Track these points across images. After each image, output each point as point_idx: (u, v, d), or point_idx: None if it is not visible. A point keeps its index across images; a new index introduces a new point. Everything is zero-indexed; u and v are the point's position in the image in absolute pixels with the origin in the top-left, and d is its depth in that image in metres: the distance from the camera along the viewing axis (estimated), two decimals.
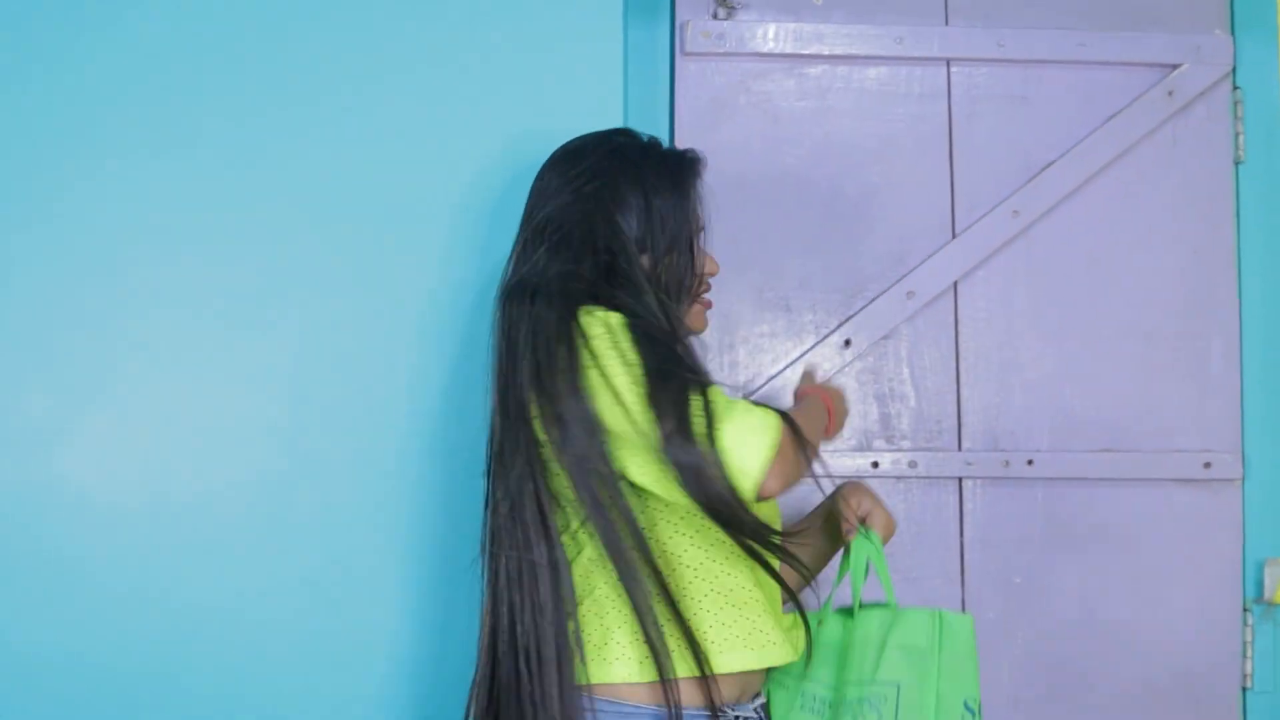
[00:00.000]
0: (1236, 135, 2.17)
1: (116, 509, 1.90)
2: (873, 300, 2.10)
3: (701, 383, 1.47)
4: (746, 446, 1.42)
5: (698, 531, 1.55)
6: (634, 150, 1.67)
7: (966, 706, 1.59)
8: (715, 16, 2.13)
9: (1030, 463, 2.10)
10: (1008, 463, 2.10)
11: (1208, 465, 2.12)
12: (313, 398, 1.94)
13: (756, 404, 1.48)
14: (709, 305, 1.72)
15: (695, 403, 1.45)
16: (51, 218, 1.93)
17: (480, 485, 1.64)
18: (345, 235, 1.96)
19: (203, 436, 1.92)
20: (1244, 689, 2.12)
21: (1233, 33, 2.18)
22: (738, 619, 1.53)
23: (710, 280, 1.70)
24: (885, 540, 1.66)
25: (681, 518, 1.55)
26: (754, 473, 1.42)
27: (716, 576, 1.54)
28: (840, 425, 1.71)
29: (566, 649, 1.51)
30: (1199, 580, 2.13)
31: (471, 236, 1.97)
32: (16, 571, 1.88)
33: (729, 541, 1.53)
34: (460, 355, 1.94)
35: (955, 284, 2.13)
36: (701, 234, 1.68)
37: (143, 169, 1.94)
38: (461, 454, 1.90)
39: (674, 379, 1.47)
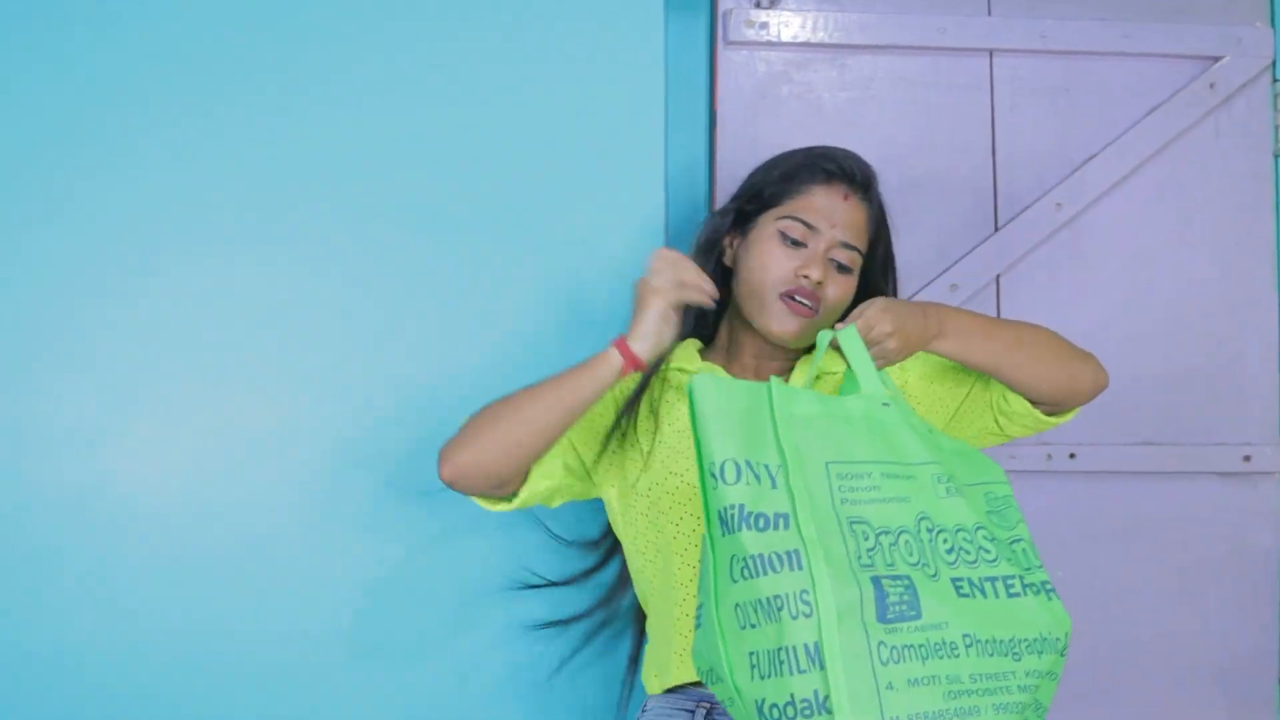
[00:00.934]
0: (1277, 129, 2.17)
1: (159, 514, 1.88)
2: (916, 293, 2.09)
3: None
4: None
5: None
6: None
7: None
8: (758, 5, 2.11)
9: (1073, 456, 2.10)
10: (1050, 456, 2.10)
11: (1247, 459, 2.12)
12: (356, 402, 1.92)
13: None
14: (799, 312, 1.68)
15: None
16: (96, 221, 1.90)
17: None
18: (383, 236, 1.93)
19: (245, 441, 1.90)
20: None
21: (1273, 25, 2.17)
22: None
23: (809, 283, 1.67)
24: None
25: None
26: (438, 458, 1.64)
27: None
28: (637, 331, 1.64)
29: None
30: (1237, 575, 2.13)
31: (515, 232, 1.95)
32: (58, 575, 1.86)
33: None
34: (506, 355, 1.92)
35: (998, 277, 2.12)
36: (778, 228, 1.69)
37: (188, 173, 1.91)
38: None
39: None
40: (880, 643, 1.34)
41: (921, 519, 1.44)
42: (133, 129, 1.91)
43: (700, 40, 2.14)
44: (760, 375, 1.73)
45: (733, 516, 1.38)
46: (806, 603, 1.34)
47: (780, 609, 1.34)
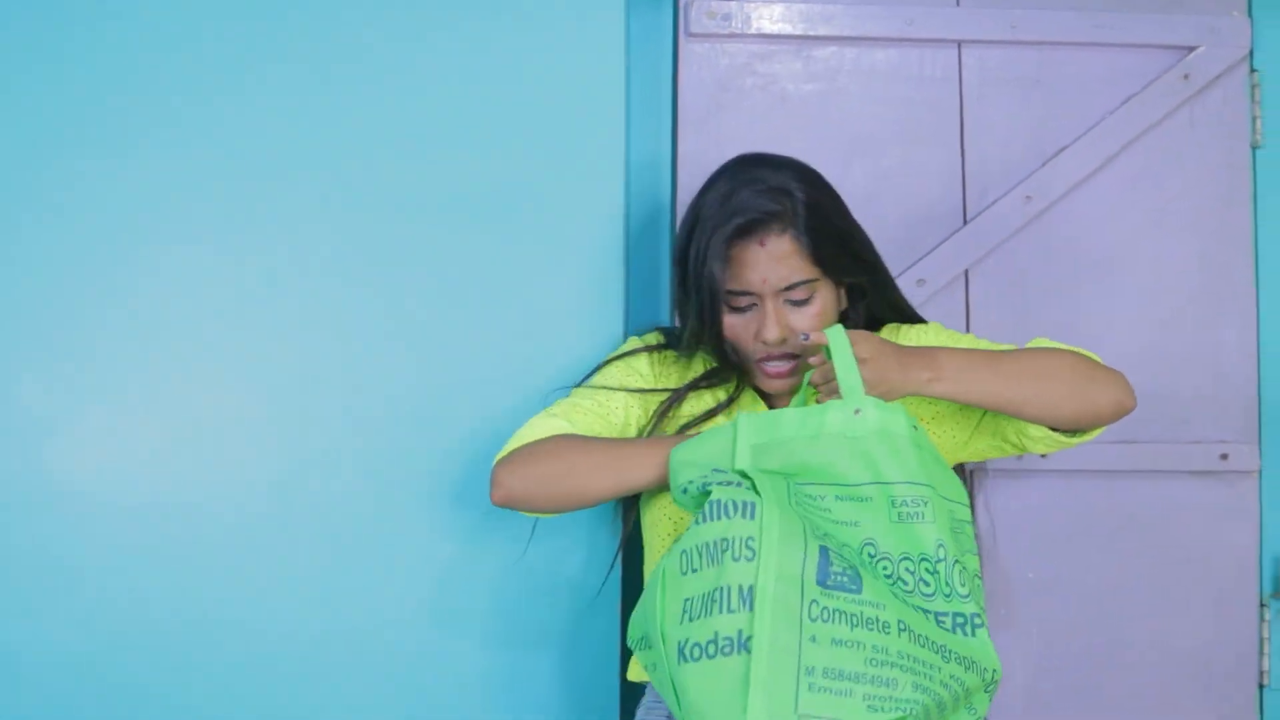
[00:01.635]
0: (1254, 119, 2.12)
1: (112, 506, 1.85)
2: None
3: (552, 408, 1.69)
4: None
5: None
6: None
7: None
8: None
9: (1045, 455, 2.05)
10: (1023, 455, 2.05)
11: (1224, 457, 2.08)
12: (316, 392, 1.89)
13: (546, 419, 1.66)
14: (774, 374, 1.66)
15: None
16: (47, 208, 1.87)
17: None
18: (340, 225, 1.90)
19: (203, 432, 1.87)
20: (1261, 686, 2.08)
21: (1250, 14, 2.12)
22: None
23: (772, 344, 1.64)
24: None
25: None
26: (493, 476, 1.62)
27: None
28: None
29: None
30: (1215, 575, 2.08)
31: (473, 228, 1.92)
32: (7, 568, 1.83)
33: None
34: (461, 350, 1.90)
35: (966, 271, 2.08)
36: (745, 296, 1.65)
37: (138, 161, 1.88)
38: (468, 450, 1.86)
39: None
40: (813, 600, 1.36)
41: (866, 544, 1.43)
42: (88, 120, 1.88)
43: (663, 32, 2.10)
44: None
45: (700, 483, 1.46)
46: (750, 548, 1.37)
47: (724, 551, 1.38)
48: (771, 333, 1.63)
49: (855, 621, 1.36)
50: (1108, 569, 2.08)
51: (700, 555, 1.39)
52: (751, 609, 1.34)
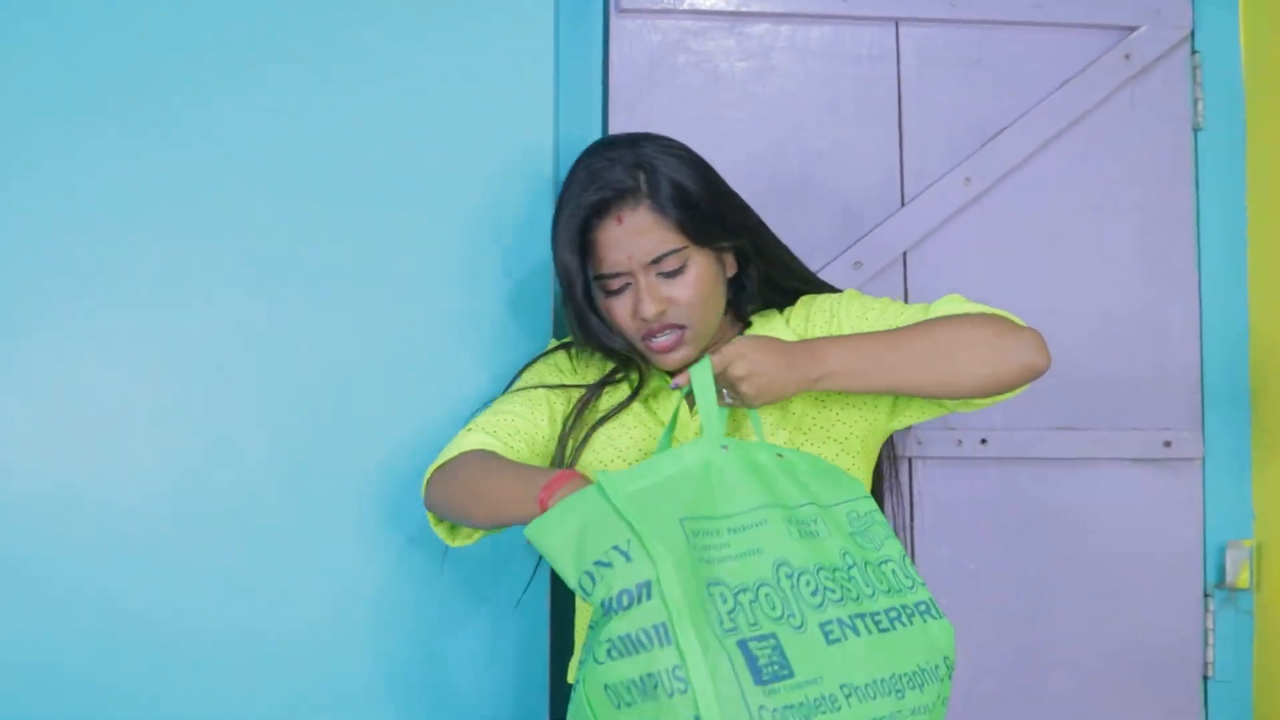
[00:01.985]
0: (1195, 101, 2.08)
1: (17, 496, 1.78)
2: (818, 271, 1.99)
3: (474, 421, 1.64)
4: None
5: None
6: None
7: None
8: None
9: (984, 441, 2.00)
10: (960, 441, 2.00)
11: (1168, 444, 2.03)
12: (229, 380, 1.82)
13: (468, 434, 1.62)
14: (662, 349, 1.60)
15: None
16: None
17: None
18: (266, 212, 1.84)
19: (112, 422, 1.80)
20: (1205, 678, 2.04)
21: None
22: None
23: (651, 321, 1.58)
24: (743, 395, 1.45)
25: None
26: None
27: None
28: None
29: None
30: (1159, 565, 2.04)
31: (399, 209, 1.86)
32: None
33: None
34: (389, 333, 1.85)
35: (904, 254, 2.03)
36: (621, 277, 1.59)
37: (33, 154, 1.81)
38: (378, 437, 1.82)
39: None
40: (761, 706, 1.29)
41: (779, 565, 1.38)
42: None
43: (593, 8, 2.04)
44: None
45: (604, 604, 1.32)
46: (680, 679, 1.29)
47: (655, 687, 1.29)
48: (648, 308, 1.58)
49: (806, 711, 1.30)
50: (1048, 560, 2.03)
51: (631, 691, 1.31)
52: None
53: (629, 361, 1.65)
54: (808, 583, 1.37)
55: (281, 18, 1.86)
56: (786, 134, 2.02)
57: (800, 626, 1.35)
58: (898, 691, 1.35)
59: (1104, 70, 2.06)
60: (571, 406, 1.67)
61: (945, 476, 2.01)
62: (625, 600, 1.30)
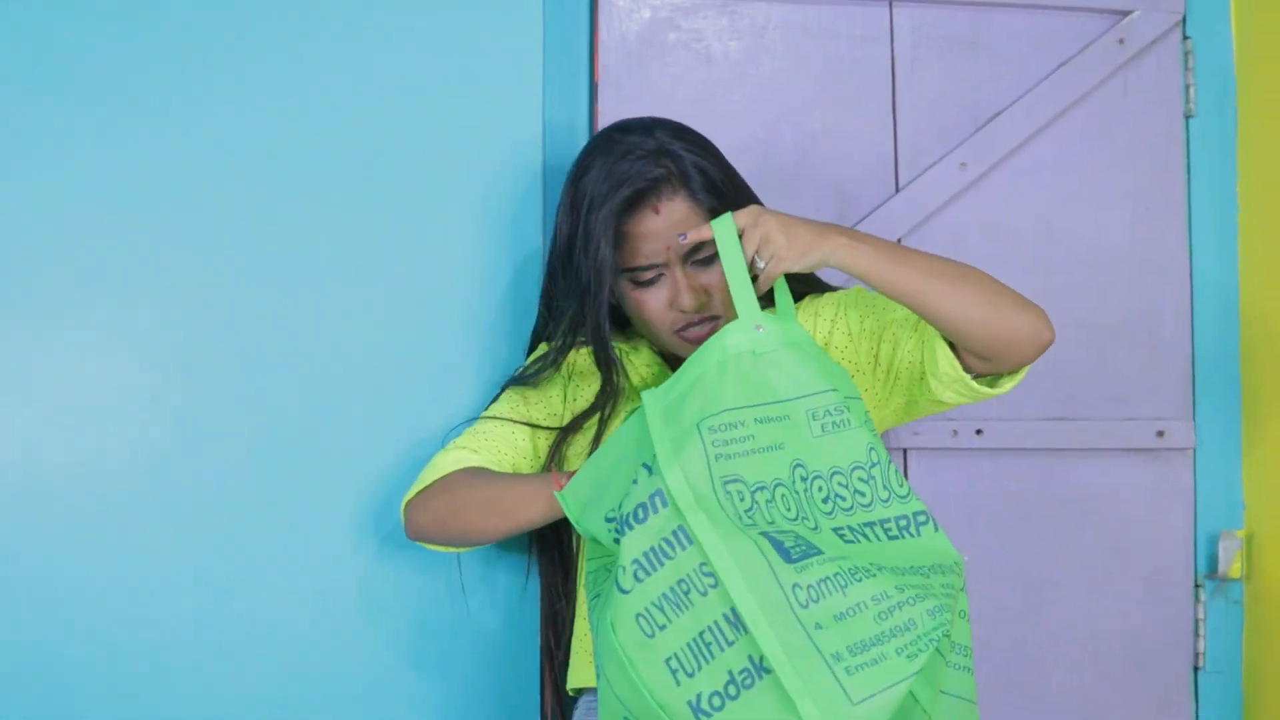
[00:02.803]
0: (1187, 88, 2.06)
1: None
2: None
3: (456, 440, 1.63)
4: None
5: None
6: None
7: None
8: None
9: (979, 432, 1.97)
10: (956, 432, 1.97)
11: (1160, 434, 2.01)
12: (216, 376, 1.77)
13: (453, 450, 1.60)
14: (697, 339, 1.53)
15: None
16: None
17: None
18: (252, 199, 1.79)
19: (103, 417, 1.74)
20: (1196, 669, 2.02)
21: None
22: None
23: (690, 313, 1.55)
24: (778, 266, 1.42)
25: None
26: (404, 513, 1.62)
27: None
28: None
29: None
30: (1150, 555, 2.02)
31: (384, 194, 1.82)
32: None
33: None
34: (374, 320, 1.81)
35: (899, 240, 1.98)
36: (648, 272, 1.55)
37: (60, 141, 1.76)
38: (366, 431, 1.78)
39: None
40: (795, 585, 1.27)
41: (796, 467, 1.36)
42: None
43: None
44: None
45: (624, 521, 1.31)
46: (708, 574, 1.27)
47: (687, 593, 1.27)
48: (687, 299, 1.54)
49: (843, 581, 1.27)
50: (1040, 550, 2.00)
51: (663, 610, 1.28)
52: (747, 630, 1.25)
53: (610, 373, 1.60)
54: (820, 488, 1.35)
55: (265, 4, 1.81)
56: (779, 116, 1.97)
57: (816, 529, 1.33)
58: (923, 574, 1.32)
59: (1098, 54, 2.03)
60: (565, 401, 1.65)
61: (940, 467, 1.97)
62: (641, 514, 1.29)
